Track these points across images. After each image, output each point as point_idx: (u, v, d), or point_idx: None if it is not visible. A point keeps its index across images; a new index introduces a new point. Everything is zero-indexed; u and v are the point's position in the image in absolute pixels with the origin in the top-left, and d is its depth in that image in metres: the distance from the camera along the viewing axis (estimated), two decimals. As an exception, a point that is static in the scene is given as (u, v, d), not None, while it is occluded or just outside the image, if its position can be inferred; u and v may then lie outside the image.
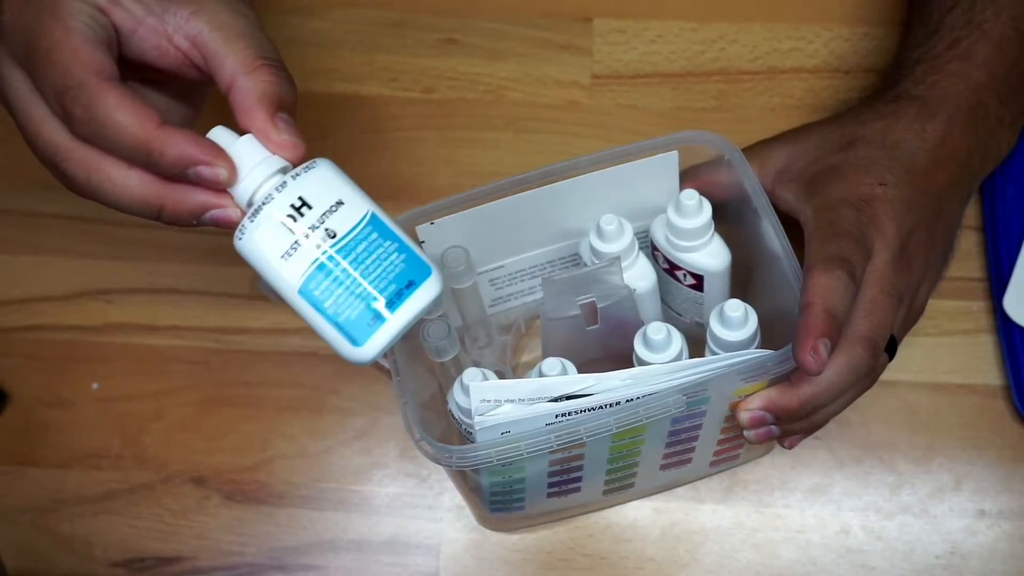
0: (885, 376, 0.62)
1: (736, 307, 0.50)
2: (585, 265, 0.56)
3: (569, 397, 0.49)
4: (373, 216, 0.42)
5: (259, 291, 0.64)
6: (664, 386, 0.49)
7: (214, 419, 0.63)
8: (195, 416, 0.63)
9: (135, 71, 0.45)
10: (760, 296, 0.56)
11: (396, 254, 0.42)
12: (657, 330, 0.51)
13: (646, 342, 0.52)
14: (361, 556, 0.61)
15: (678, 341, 0.52)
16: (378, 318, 0.41)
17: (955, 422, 0.62)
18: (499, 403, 0.49)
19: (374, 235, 0.41)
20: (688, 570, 0.60)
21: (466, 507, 0.61)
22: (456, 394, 0.51)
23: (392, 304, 0.41)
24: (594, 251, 0.54)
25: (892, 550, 0.60)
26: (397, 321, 0.41)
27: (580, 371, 0.52)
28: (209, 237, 0.65)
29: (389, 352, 0.43)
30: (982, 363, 0.62)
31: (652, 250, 0.57)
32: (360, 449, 0.62)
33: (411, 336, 0.54)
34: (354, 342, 0.41)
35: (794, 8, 0.69)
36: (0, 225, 0.66)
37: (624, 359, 0.55)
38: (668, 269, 0.57)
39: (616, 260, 0.53)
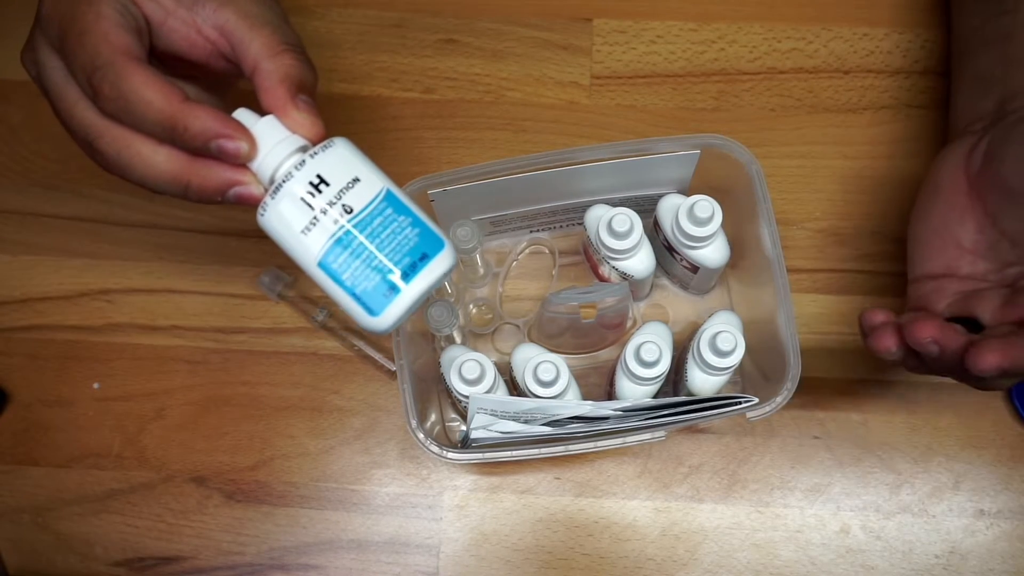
0: (885, 376, 0.62)
1: (728, 340, 0.53)
2: (589, 240, 0.59)
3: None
4: (388, 192, 0.43)
5: (259, 290, 0.64)
6: (654, 423, 0.51)
7: (214, 419, 0.63)
8: (195, 416, 0.63)
9: (167, 64, 0.47)
10: (743, 275, 0.61)
11: (411, 228, 0.43)
12: (650, 351, 0.54)
13: (639, 359, 0.54)
14: (361, 556, 0.61)
15: (666, 361, 0.55)
16: (393, 289, 0.42)
17: (955, 422, 0.62)
18: (495, 416, 0.51)
19: (389, 210, 0.43)
20: (687, 569, 0.60)
21: (466, 507, 0.61)
22: (454, 380, 0.53)
23: (407, 276, 0.42)
24: (604, 245, 0.56)
25: (891, 549, 0.60)
26: (411, 292, 0.42)
27: (568, 351, 0.55)
28: (209, 237, 0.65)
29: (394, 333, 0.44)
30: (981, 363, 0.62)
31: (655, 224, 0.59)
32: (360, 449, 0.62)
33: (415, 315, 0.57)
34: (371, 312, 0.42)
35: (794, 8, 0.69)
36: (0, 225, 0.66)
37: (607, 342, 0.61)
38: (668, 247, 0.59)
39: (627, 293, 0.56)
